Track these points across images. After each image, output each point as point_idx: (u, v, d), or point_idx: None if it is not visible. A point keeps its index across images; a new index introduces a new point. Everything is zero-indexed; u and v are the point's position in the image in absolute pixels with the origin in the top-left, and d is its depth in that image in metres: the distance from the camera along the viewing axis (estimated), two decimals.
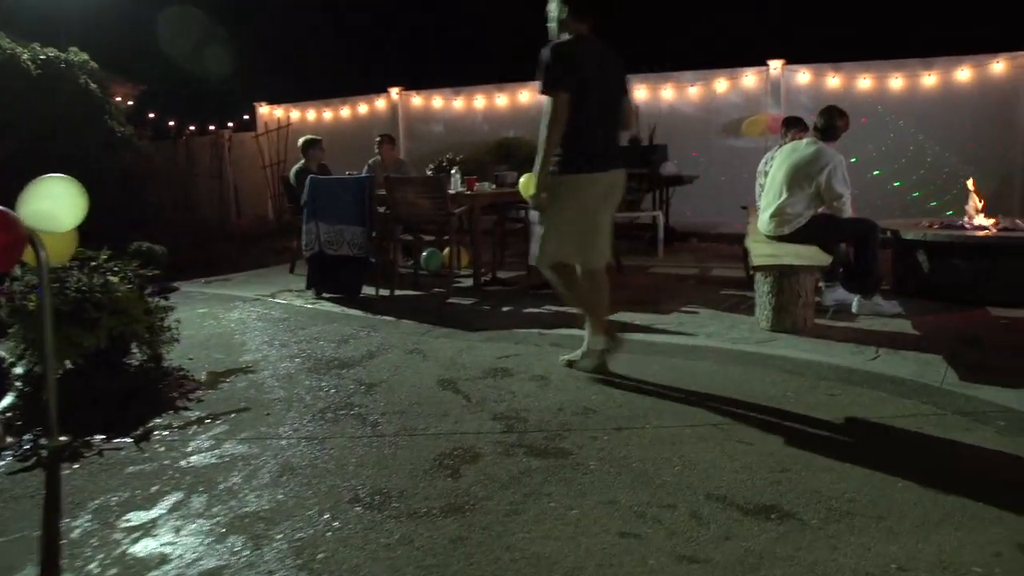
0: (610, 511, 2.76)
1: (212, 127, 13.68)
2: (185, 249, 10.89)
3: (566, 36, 4.04)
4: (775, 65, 9.56)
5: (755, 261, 5.11)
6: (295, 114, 13.17)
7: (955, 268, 5.99)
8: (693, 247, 9.50)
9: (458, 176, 7.60)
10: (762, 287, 5.25)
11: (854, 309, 5.70)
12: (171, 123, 13.14)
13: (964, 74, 8.79)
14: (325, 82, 13.93)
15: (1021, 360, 4.51)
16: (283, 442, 3.61)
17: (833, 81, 9.36)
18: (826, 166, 5.49)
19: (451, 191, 7.33)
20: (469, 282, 7.41)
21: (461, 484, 3.05)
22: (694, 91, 10.05)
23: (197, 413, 4.05)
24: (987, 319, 5.53)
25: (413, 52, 12.14)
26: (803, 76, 9.50)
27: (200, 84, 13.23)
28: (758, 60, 9.62)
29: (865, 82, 9.20)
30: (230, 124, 13.74)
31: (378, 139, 9.34)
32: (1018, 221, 6.41)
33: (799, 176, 5.58)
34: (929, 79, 8.95)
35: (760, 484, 2.90)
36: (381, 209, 7.24)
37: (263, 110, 13.50)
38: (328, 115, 12.82)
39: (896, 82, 9.08)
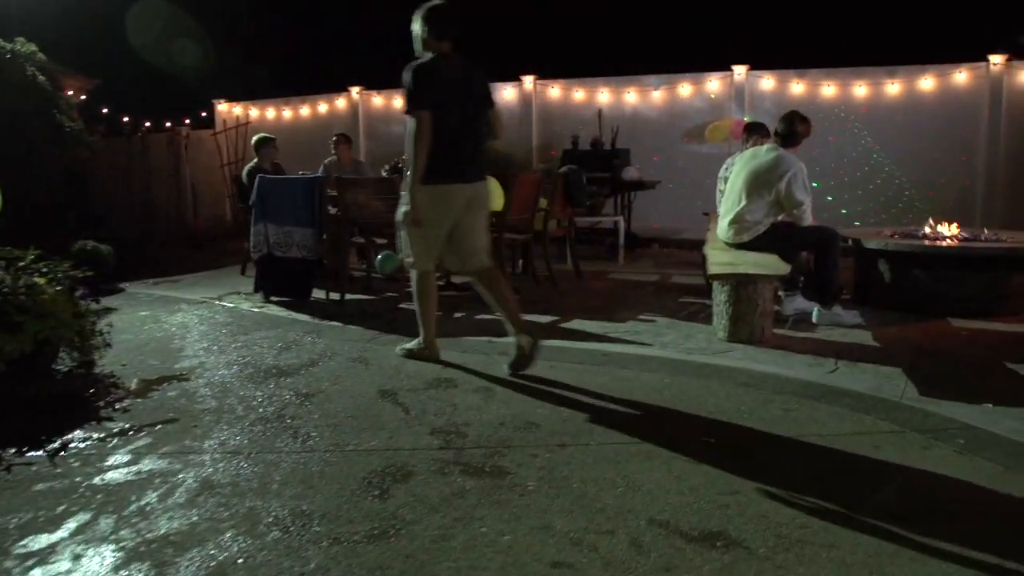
0: (544, 538, 2.56)
1: (168, 124, 13.30)
2: (138, 249, 10.58)
3: (428, 55, 4.29)
4: (739, 71, 9.46)
5: (712, 269, 4.95)
6: (254, 112, 12.86)
7: (916, 278, 5.89)
8: (655, 253, 9.36)
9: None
10: (719, 296, 5.10)
11: (814, 319, 5.57)
12: (125, 119, 12.73)
13: (927, 83, 8.75)
14: (285, 80, 13.62)
15: (982, 374, 4.39)
16: (206, 457, 3.38)
17: (797, 88, 9.28)
18: (786, 173, 5.36)
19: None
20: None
21: (389, 506, 2.84)
22: (658, 95, 9.92)
23: (121, 424, 3.79)
24: (948, 330, 5.42)
25: (374, 51, 11.87)
26: (767, 82, 9.41)
27: (157, 80, 12.87)
28: (723, 65, 9.52)
29: (828, 88, 9.13)
30: (187, 121, 13.37)
31: (334, 139, 9.11)
32: (981, 232, 6.33)
33: (759, 183, 5.44)
34: (892, 87, 8.90)
35: (707, 508, 2.72)
36: (333, 211, 7.00)
37: (222, 107, 13.17)
38: (288, 114, 12.54)
39: (860, 89, 9.02)
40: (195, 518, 2.81)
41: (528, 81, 10.61)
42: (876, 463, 3.12)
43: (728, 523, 2.61)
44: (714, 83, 9.65)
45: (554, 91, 10.55)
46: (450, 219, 4.37)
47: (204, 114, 13.42)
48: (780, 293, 5.97)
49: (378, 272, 7.72)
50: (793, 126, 5.51)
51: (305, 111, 12.39)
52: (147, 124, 12.97)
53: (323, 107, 12.21)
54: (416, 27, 4.31)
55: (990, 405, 3.82)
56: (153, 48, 13.23)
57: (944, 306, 5.77)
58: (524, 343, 4.34)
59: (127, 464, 3.33)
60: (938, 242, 5.95)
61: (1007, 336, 5.26)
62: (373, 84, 11.81)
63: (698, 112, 9.71)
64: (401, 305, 6.54)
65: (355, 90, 11.76)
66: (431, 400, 4.00)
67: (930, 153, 8.84)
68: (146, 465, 3.31)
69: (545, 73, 10.66)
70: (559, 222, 7.95)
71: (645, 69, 10.03)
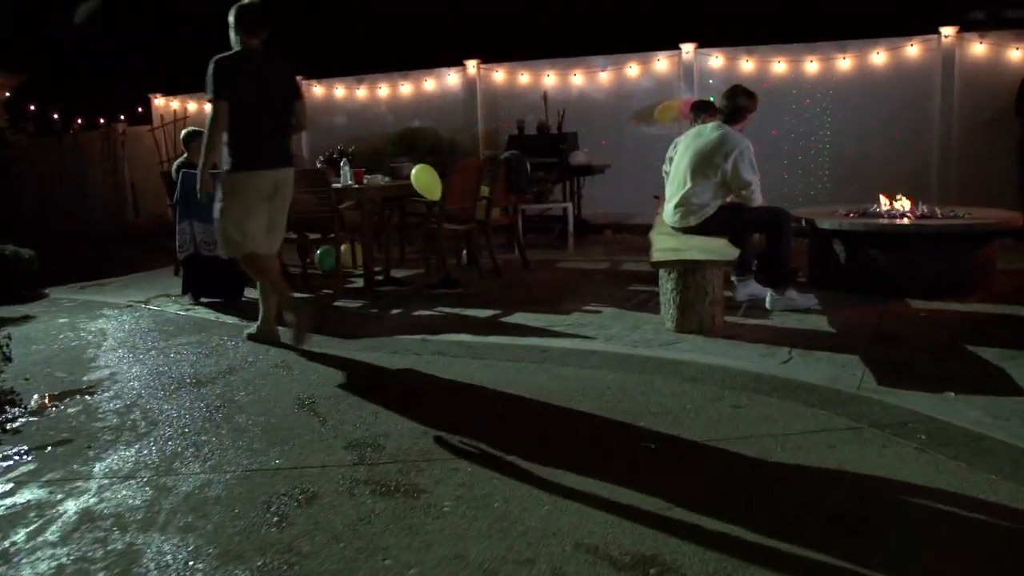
0: (456, 570, 2.24)
1: (102, 120, 12.69)
2: (70, 251, 10.08)
3: (237, 48, 4.57)
4: (687, 49, 9.18)
5: (656, 256, 4.65)
6: (192, 106, 12.32)
7: (872, 259, 5.66)
8: (607, 239, 9.07)
9: (347, 169, 6.99)
10: (666, 284, 4.81)
11: (767, 305, 5.31)
12: (55, 116, 12.10)
13: (879, 57, 8.54)
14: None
15: (942, 359, 4.15)
16: (93, 484, 3.02)
17: (747, 65, 9.02)
18: (732, 152, 5.07)
19: (339, 184, 6.74)
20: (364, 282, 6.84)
21: (286, 536, 2.50)
22: (605, 77, 9.61)
23: (6, 449, 3.40)
24: (906, 313, 5.19)
25: (314, 37, 11.36)
26: (716, 60, 9.14)
27: (89, 74, 12.26)
28: (671, 44, 9.23)
29: (779, 65, 8.88)
30: (123, 117, 12.78)
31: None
32: (936, 209, 6.12)
33: (704, 163, 5.16)
34: (844, 62, 8.68)
35: (641, 528, 2.41)
36: None
37: (158, 102, 12.61)
38: None
39: (811, 65, 8.78)
40: (64, 559, 2.46)
41: (472, 66, 10.24)
42: (831, 467, 2.84)
43: (663, 545, 2.30)
44: (662, 62, 9.37)
45: (499, 75, 10.19)
46: (261, 203, 4.67)
47: (140, 109, 12.82)
48: (732, 278, 5.71)
49: (320, 268, 7.36)
50: (736, 101, 5.23)
51: None
52: (79, 121, 12.36)
53: None
54: (230, 20, 4.59)
55: (951, 394, 3.58)
56: (85, 41, 12.60)
57: (902, 286, 5.55)
58: (290, 319, 4.73)
59: (3, 495, 2.95)
60: (894, 220, 5.72)
61: (967, 316, 5.05)
62: (313, 73, 11.35)
63: (646, 93, 9.43)
64: (337, 303, 6.17)
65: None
66: (352, 408, 3.66)
67: (885, 129, 8.64)
68: (23, 496, 2.94)
69: (490, 57, 10.30)
70: (505, 210, 7.63)
71: (592, 50, 9.72)
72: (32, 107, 11.22)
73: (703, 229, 5.23)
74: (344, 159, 7.11)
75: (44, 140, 12.24)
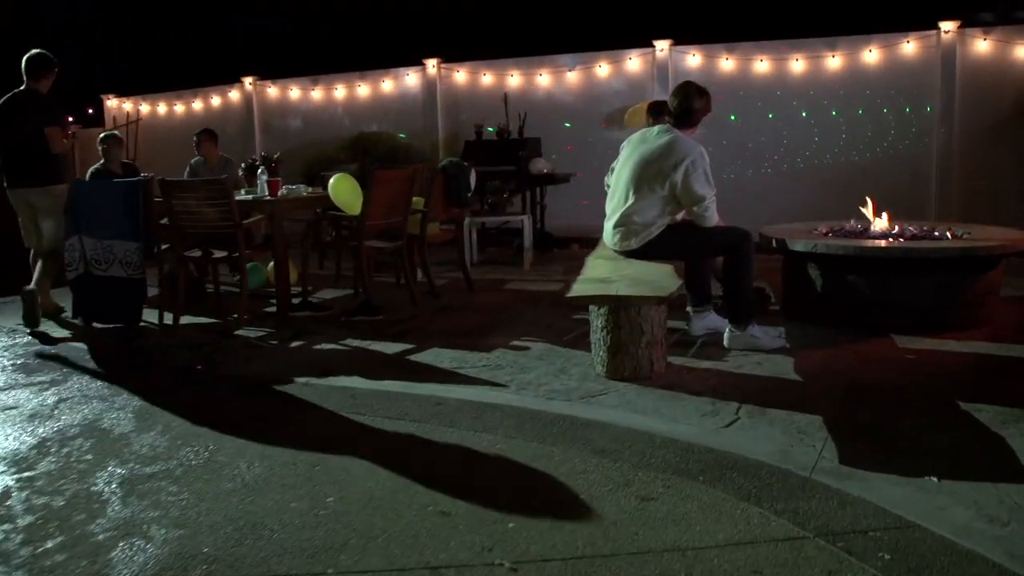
0: None
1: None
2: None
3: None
4: (662, 46, 8.32)
5: (576, 289, 3.79)
6: (145, 108, 11.57)
7: (852, 287, 4.80)
8: (571, 255, 8.20)
9: (264, 178, 6.18)
10: (596, 321, 3.96)
11: (725, 342, 4.47)
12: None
13: (872, 55, 7.67)
14: (176, 70, 12.30)
15: (927, 421, 3.29)
16: None
17: (727, 64, 8.16)
18: (682, 160, 4.23)
19: (248, 196, 5.94)
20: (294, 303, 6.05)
21: None
22: (573, 76, 8.77)
23: None
24: (890, 354, 4.33)
25: (267, 34, 10.64)
26: (693, 59, 8.29)
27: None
28: (644, 40, 8.39)
29: (761, 64, 8.02)
30: (71, 119, 11.98)
31: (196, 137, 7.91)
32: (931, 226, 5.26)
33: (648, 174, 4.32)
34: (833, 61, 7.81)
35: None
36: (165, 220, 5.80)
37: (111, 103, 11.85)
38: (180, 108, 11.25)
39: (797, 64, 7.92)
40: None
41: (431, 65, 9.42)
42: None
43: None
44: (634, 61, 8.52)
45: (460, 76, 9.37)
46: (24, 212, 5.96)
47: (91, 111, 12.06)
48: (688, 308, 4.87)
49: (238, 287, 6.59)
50: (688, 102, 4.39)
51: (198, 105, 11.11)
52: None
53: (216, 100, 10.94)
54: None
55: (934, 478, 2.72)
56: (27, 38, 11.83)
57: (888, 320, 4.71)
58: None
59: None
60: (878, 242, 4.86)
61: (963, 359, 4.19)
62: (267, 73, 10.57)
63: (617, 94, 8.58)
64: (238, 331, 5.35)
65: (248, 80, 10.51)
66: (162, 491, 2.82)
67: (878, 135, 7.76)
68: None
69: (451, 56, 9.48)
70: (450, 223, 6.81)
71: (559, 47, 8.89)
72: None
73: (647, 252, 4.39)
74: (262, 167, 6.30)
75: None
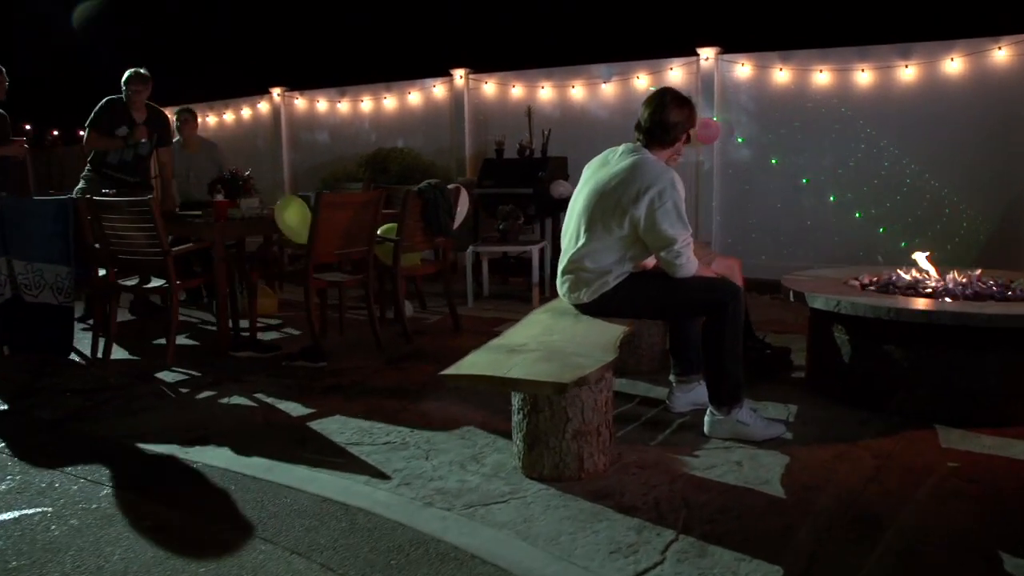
0: None
1: (55, 133, 11.75)
2: None
3: None
4: (707, 54, 7.24)
5: (458, 365, 2.83)
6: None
7: (887, 359, 3.68)
8: None
9: (221, 197, 5.49)
10: (514, 401, 3.02)
11: (705, 429, 3.44)
12: (28, 127, 11.19)
13: (954, 65, 6.38)
14: (207, 81, 11.94)
15: None
16: None
17: (781, 75, 7.01)
18: (647, 190, 3.23)
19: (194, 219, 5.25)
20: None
21: None
22: (609, 89, 7.77)
23: None
24: (925, 456, 3.20)
25: (297, 44, 10.14)
26: (743, 68, 7.17)
27: (64, 86, 11.38)
28: (687, 49, 7.34)
29: (822, 75, 6.83)
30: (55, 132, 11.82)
31: (177, 116, 7.16)
32: (1004, 282, 4.06)
33: (604, 207, 3.33)
34: (907, 72, 6.55)
35: None
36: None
37: None
38: (212, 119, 10.83)
39: (863, 76, 6.69)
40: None
41: (459, 76, 8.61)
42: None
43: None
44: (676, 72, 7.46)
45: (489, 87, 8.52)
46: None
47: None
48: (671, 377, 3.85)
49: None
50: (663, 113, 3.38)
51: (229, 116, 10.67)
52: (55, 133, 11.44)
53: (247, 112, 10.46)
54: None
55: None
56: (54, 50, 11.72)
57: (932, 405, 3.57)
58: None
59: None
60: (922, 302, 3.72)
61: None
62: (296, 84, 10.00)
63: None
64: (158, 375, 4.63)
65: (276, 91, 9.97)
66: None
67: (962, 160, 6.44)
68: None
69: (479, 66, 8.65)
70: (436, 255, 5.98)
71: (594, 56, 7.93)
72: None
73: (602, 308, 3.41)
74: (219, 185, 5.61)
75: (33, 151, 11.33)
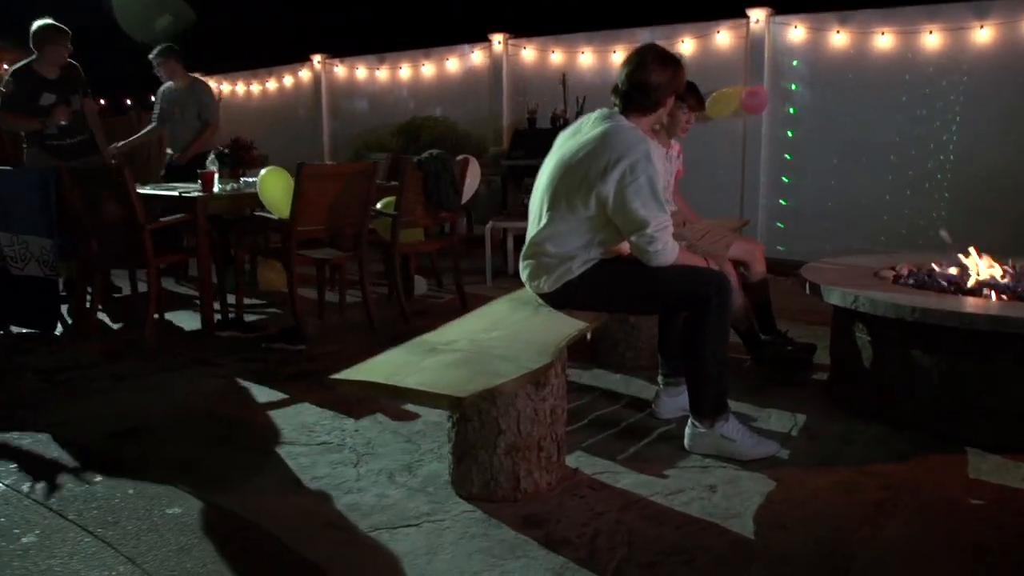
0: None
1: (129, 102, 11.74)
2: None
3: None
4: (757, 16, 6.56)
5: (359, 369, 2.41)
6: (226, 87, 11.08)
7: (913, 367, 3.11)
8: None
9: (215, 168, 5.21)
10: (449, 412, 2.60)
11: (686, 442, 2.95)
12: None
13: None
14: (253, 49, 11.74)
15: None
16: None
17: (838, 38, 6.29)
18: (616, 163, 2.74)
19: (162, 192, 4.97)
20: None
21: None
22: None
23: None
24: (945, 489, 2.65)
25: (337, 9, 9.79)
26: (796, 31, 6.47)
27: (105, 53, 11.32)
28: (736, 9, 6.68)
29: (884, 39, 6.09)
30: (129, 102, 11.79)
31: (156, 58, 6.29)
32: None
33: (569, 183, 2.86)
34: (982, 33, 5.76)
35: None
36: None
37: None
38: (256, 88, 10.65)
39: (931, 39, 5.94)
40: None
41: (497, 41, 8.14)
42: None
43: None
44: (724, 35, 6.81)
45: (528, 53, 8.02)
46: None
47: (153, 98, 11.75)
48: (659, 379, 3.38)
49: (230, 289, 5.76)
50: (643, 73, 2.87)
51: (272, 85, 10.46)
52: (102, 101, 11.44)
53: (288, 79, 10.22)
54: None
55: None
56: (102, 19, 11.67)
57: (963, 425, 3.00)
58: None
59: None
60: (956, 300, 3.13)
61: None
62: (337, 51, 9.69)
63: (704, 76, 6.84)
64: (129, 356, 4.40)
65: (317, 59, 9.69)
66: None
67: None
68: None
69: (519, 30, 8.15)
70: (441, 231, 5.60)
71: (637, 19, 7.33)
72: None
73: (566, 299, 2.95)
74: (212, 156, 5.34)
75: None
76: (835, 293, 3.27)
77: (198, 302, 5.04)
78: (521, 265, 3.04)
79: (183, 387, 3.83)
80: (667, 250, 2.78)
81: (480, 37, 8.28)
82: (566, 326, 2.74)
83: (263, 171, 4.64)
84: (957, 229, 5.77)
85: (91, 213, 4.66)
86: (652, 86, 2.86)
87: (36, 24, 5.41)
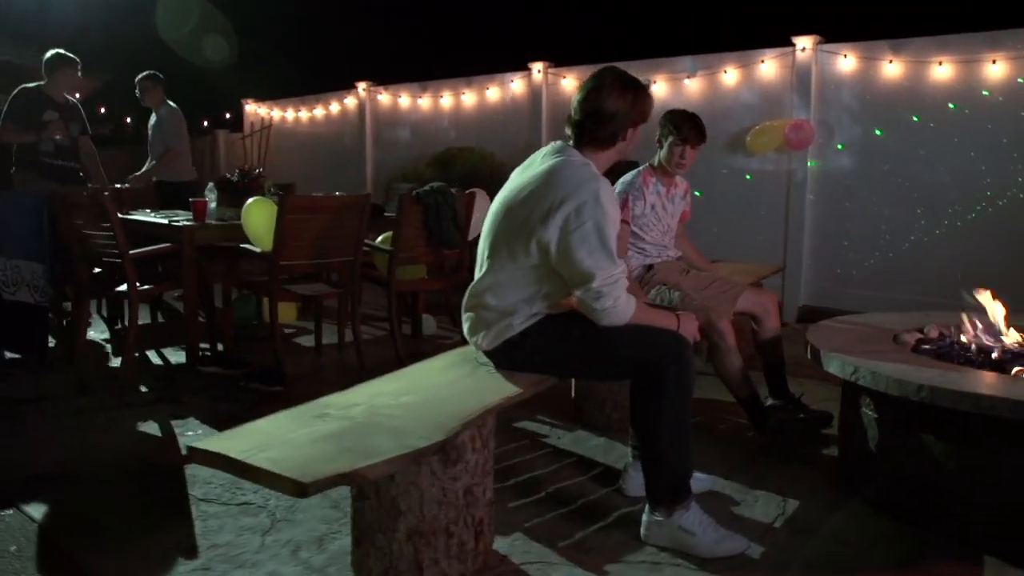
0: None
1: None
2: None
3: None
4: (804, 44, 6.07)
5: (228, 436, 2.09)
6: (276, 113, 11.12)
7: (924, 456, 2.62)
8: None
9: (212, 197, 5.04)
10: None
11: (642, 531, 2.54)
12: (128, 120, 11.41)
13: None
14: (296, 77, 11.79)
15: None
16: None
17: (890, 68, 5.76)
18: (560, 204, 2.38)
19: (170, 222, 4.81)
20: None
21: None
22: (693, 85, 6.75)
23: None
24: None
25: (382, 38, 9.70)
26: (846, 61, 5.95)
27: (170, 77, 11.55)
28: (782, 39, 6.21)
29: (941, 69, 5.53)
30: (205, 123, 11.93)
31: (143, 83, 6.64)
32: None
33: (511, 226, 2.51)
34: None
35: None
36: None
37: (250, 108, 11.57)
38: (304, 115, 10.64)
39: (995, 69, 5.35)
40: None
41: (537, 70, 7.85)
42: None
43: None
44: (768, 65, 6.34)
45: (567, 82, 7.70)
46: None
47: (228, 116, 11.93)
48: (629, 451, 2.98)
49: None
50: (599, 99, 2.51)
51: (319, 112, 10.42)
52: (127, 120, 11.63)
53: (335, 107, 10.16)
54: None
55: None
56: (164, 44, 11.89)
57: (984, 529, 2.50)
58: None
59: None
60: (974, 375, 2.63)
61: None
62: (381, 78, 9.58)
63: (746, 108, 6.46)
64: (97, 390, 4.22)
65: (362, 86, 9.59)
66: None
67: None
68: None
69: (560, 59, 7.84)
70: (441, 269, 5.30)
71: (677, 48, 6.94)
72: (102, 110, 10.51)
73: (506, 359, 2.58)
74: (211, 185, 5.19)
75: (129, 151, 11.64)
76: (834, 361, 2.81)
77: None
78: (463, 318, 2.69)
79: (132, 429, 3.61)
80: (618, 308, 2.40)
81: (521, 66, 8.01)
82: (494, 393, 2.38)
83: (248, 201, 4.43)
84: (1019, 283, 5.18)
85: (82, 241, 4.54)
86: (608, 114, 2.49)
87: (49, 53, 5.56)
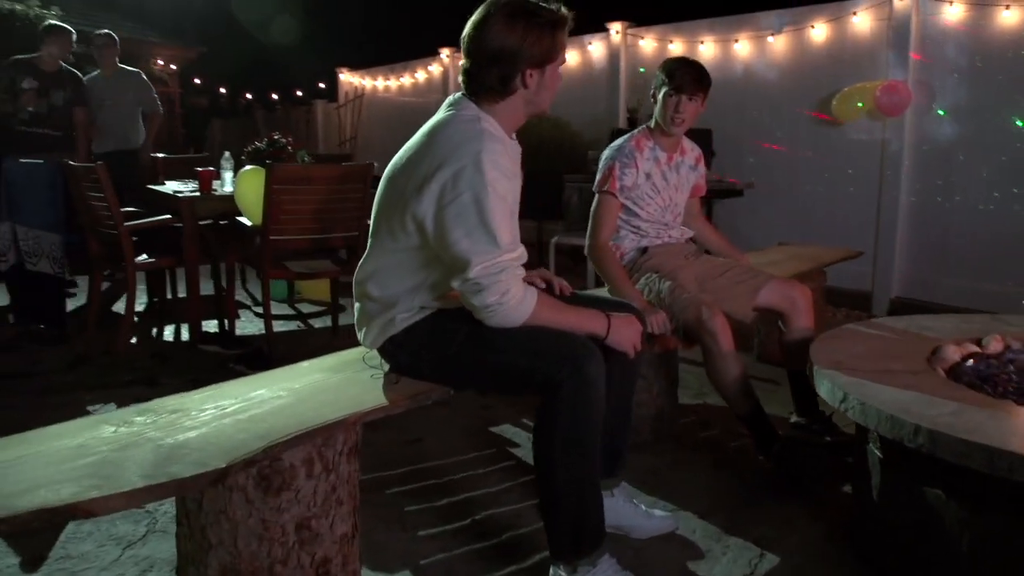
0: None
1: (274, 96, 11.96)
2: None
3: None
4: None
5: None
6: (367, 82, 10.99)
7: (931, 513, 2.00)
8: None
9: (229, 166, 4.83)
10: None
11: None
12: (222, 90, 11.52)
13: None
14: (381, 46, 11.58)
15: None
16: None
17: (1007, 16, 4.80)
18: (436, 172, 1.89)
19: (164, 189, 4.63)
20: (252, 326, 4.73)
21: None
22: (778, 42, 5.95)
23: None
24: None
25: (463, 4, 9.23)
26: (952, 10, 4.99)
27: (254, 47, 11.59)
28: None
29: None
30: (299, 93, 11.96)
31: (102, 39, 6.06)
32: None
33: (390, 199, 2.05)
34: None
35: None
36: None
37: (344, 77, 11.48)
38: (393, 83, 10.42)
39: None
40: None
41: (615, 31, 7.23)
42: None
43: None
44: (862, 17, 5.45)
45: (646, 43, 7.04)
46: None
47: (323, 85, 11.91)
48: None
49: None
50: (482, 36, 1.96)
51: (407, 80, 10.17)
52: (248, 96, 11.73)
53: (421, 74, 9.87)
54: None
55: None
56: (255, 14, 11.92)
57: None
58: None
59: None
60: (1009, 412, 1.97)
61: None
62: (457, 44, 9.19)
63: (836, 68, 5.61)
64: (86, 366, 4.09)
65: (445, 52, 9.24)
66: None
67: None
68: None
69: (639, 18, 7.19)
70: None
71: (764, 2, 6.16)
72: (197, 81, 10.66)
73: (393, 360, 2.14)
74: (227, 154, 4.97)
75: (237, 123, 11.85)
76: (825, 383, 2.20)
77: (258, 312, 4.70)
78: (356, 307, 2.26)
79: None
80: (505, 305, 1.89)
81: (599, 27, 7.42)
82: (356, 404, 1.94)
83: (242, 171, 4.16)
84: None
85: (86, 210, 4.42)
86: (492, 52, 1.95)
87: (45, 23, 5.61)
